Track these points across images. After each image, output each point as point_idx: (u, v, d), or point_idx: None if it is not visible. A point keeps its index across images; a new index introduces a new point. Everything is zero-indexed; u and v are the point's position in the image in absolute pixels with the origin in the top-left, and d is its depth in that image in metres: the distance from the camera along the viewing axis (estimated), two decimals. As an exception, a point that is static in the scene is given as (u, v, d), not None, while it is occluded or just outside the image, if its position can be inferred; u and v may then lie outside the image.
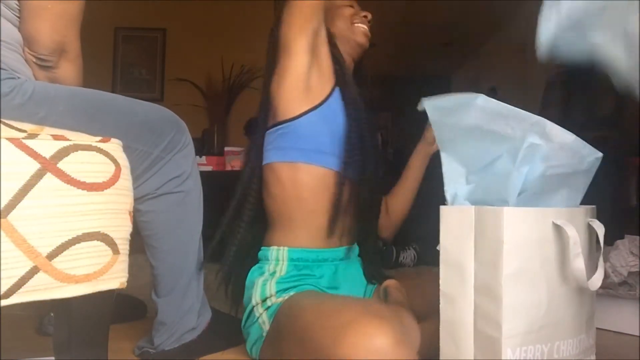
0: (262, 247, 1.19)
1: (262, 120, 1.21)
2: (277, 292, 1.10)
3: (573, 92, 2.33)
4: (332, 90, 1.20)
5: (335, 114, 1.19)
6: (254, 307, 1.12)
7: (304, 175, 1.15)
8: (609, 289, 1.49)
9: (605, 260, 1.48)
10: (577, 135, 0.88)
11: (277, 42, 1.17)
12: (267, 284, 1.12)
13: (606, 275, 1.48)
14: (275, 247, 1.16)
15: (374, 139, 1.31)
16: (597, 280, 0.85)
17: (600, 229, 0.90)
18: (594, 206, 0.96)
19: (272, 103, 1.19)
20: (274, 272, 1.14)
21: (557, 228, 0.85)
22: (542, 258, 0.84)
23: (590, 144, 0.91)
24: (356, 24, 1.33)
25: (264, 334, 1.08)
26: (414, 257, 2.69)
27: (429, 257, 2.55)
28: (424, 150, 1.41)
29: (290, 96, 1.15)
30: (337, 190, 1.16)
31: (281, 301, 1.07)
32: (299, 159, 1.15)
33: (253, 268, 1.18)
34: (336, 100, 1.20)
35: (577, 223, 0.88)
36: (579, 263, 0.84)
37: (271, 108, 1.19)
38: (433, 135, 1.25)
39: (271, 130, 1.19)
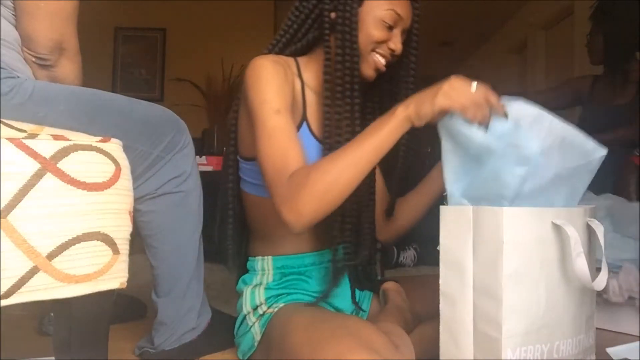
0: (249, 257, 1.18)
1: (231, 145, 1.18)
2: (266, 299, 1.09)
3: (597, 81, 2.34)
4: (297, 127, 1.08)
5: None
6: (245, 315, 1.11)
7: (270, 207, 1.05)
8: (609, 301, 1.49)
9: (613, 277, 1.46)
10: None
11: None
12: (256, 292, 1.11)
13: (604, 291, 1.47)
14: (259, 257, 1.15)
15: None
16: (602, 281, 0.85)
17: (599, 229, 0.89)
18: (593, 206, 0.96)
19: (237, 135, 1.16)
20: (261, 282, 1.13)
21: (557, 228, 0.85)
22: (541, 258, 0.84)
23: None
24: (375, 54, 1.13)
25: (255, 344, 1.07)
26: (414, 257, 2.69)
27: (430, 258, 2.55)
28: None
29: (246, 138, 1.11)
30: None
31: (271, 312, 1.05)
32: (263, 194, 1.10)
33: (243, 276, 1.17)
34: (301, 137, 1.07)
35: (577, 223, 0.88)
36: (581, 262, 0.83)
37: (236, 138, 1.16)
38: None
39: (239, 159, 1.16)
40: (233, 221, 1.17)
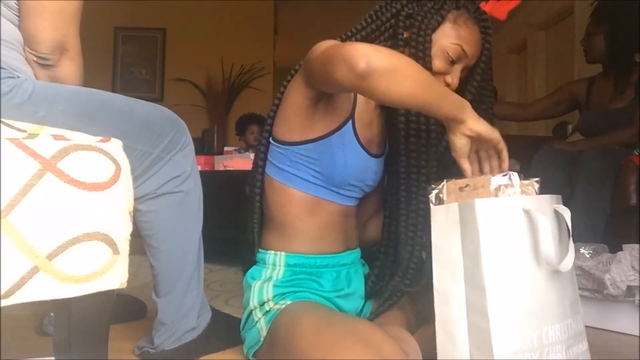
0: (260, 250, 1.17)
1: (267, 125, 1.16)
2: (274, 296, 1.08)
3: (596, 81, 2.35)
4: (342, 124, 1.09)
5: (337, 149, 1.09)
6: (252, 310, 1.11)
7: (294, 197, 1.11)
8: (608, 295, 1.49)
9: (607, 271, 1.49)
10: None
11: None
12: (264, 288, 1.10)
13: (605, 287, 1.49)
14: (272, 252, 1.14)
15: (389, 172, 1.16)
16: (567, 262, 0.87)
17: (566, 213, 0.92)
18: (559, 195, 0.98)
19: (275, 116, 1.14)
20: (271, 277, 1.12)
21: (528, 215, 0.88)
22: (517, 245, 0.87)
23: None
24: None
25: (262, 339, 1.07)
26: None
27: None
28: None
29: (289, 121, 1.10)
30: (327, 217, 1.13)
31: (278, 309, 1.05)
32: (289, 182, 1.11)
33: (252, 269, 1.17)
34: (344, 135, 1.10)
35: (545, 209, 0.91)
36: (547, 247, 0.86)
37: (274, 120, 1.15)
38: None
39: (271, 142, 1.15)
40: (260, 200, 1.17)
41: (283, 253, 1.13)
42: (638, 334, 1.48)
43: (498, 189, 0.93)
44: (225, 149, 3.33)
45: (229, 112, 4.70)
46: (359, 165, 1.13)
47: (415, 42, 1.09)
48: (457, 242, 0.88)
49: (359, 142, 1.12)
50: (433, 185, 0.97)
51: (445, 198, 0.95)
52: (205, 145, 3.98)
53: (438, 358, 0.89)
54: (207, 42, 4.61)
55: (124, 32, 4.74)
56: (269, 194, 1.16)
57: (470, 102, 1.07)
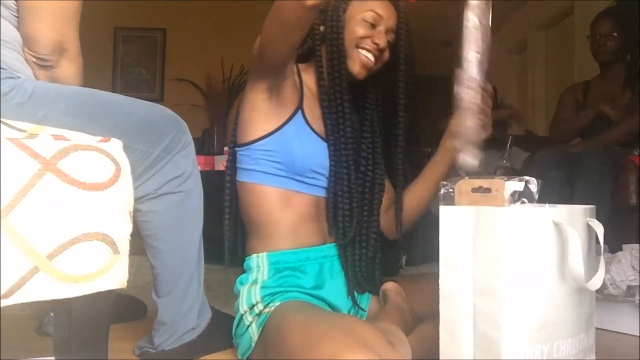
0: (246, 257, 1.20)
1: (232, 136, 1.23)
2: (262, 298, 1.10)
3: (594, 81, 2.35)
4: (292, 114, 1.17)
5: (292, 138, 1.16)
6: (242, 315, 1.12)
7: (263, 194, 1.16)
8: (608, 295, 1.49)
9: (607, 271, 1.48)
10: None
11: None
12: (252, 291, 1.12)
13: (605, 287, 1.48)
14: (255, 255, 1.17)
15: (353, 155, 1.21)
16: (597, 281, 0.85)
17: (599, 229, 0.89)
18: (593, 206, 0.96)
19: (236, 122, 1.22)
20: (257, 279, 1.14)
21: (557, 228, 0.85)
22: (541, 258, 0.84)
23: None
24: (361, 50, 1.20)
25: (253, 344, 1.08)
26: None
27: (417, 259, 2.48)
28: (449, 145, 1.24)
29: (247, 122, 1.17)
30: (299, 208, 1.17)
31: (268, 312, 1.06)
32: (255, 180, 1.17)
33: (240, 276, 1.19)
34: (296, 124, 1.17)
35: (577, 223, 0.88)
36: (577, 264, 0.84)
37: (236, 129, 1.22)
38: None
39: (236, 150, 1.21)
40: (229, 210, 1.22)
41: (264, 253, 1.16)
42: (638, 334, 1.47)
43: (513, 195, 0.89)
44: (225, 149, 3.33)
45: (229, 112, 4.69)
46: (317, 150, 1.20)
47: (330, 27, 1.20)
48: (467, 246, 0.86)
49: (312, 129, 1.20)
50: (444, 182, 0.97)
51: (456, 198, 0.94)
52: (205, 145, 3.98)
53: (440, 358, 0.89)
54: (207, 42, 4.61)
55: (124, 32, 4.74)
56: (241, 197, 1.20)
57: (405, 59, 1.25)
